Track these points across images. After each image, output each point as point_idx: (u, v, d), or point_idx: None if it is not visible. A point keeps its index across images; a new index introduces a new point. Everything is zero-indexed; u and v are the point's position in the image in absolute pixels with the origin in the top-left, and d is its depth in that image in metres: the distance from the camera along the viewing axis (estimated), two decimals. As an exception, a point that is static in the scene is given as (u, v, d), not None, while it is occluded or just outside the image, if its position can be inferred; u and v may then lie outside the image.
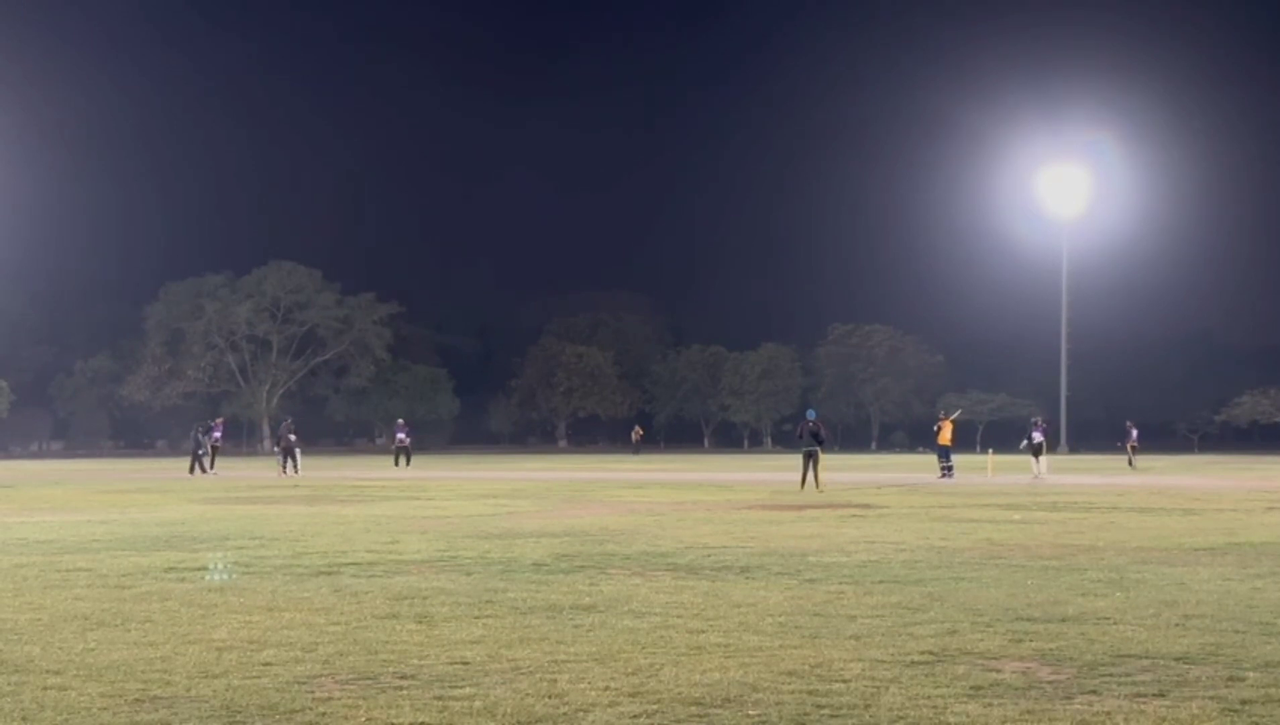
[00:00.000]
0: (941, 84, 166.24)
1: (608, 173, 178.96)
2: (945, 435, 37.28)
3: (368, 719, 6.57)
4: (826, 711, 6.68)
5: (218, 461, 45.50)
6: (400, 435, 51.74)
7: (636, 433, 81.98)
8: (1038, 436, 39.09)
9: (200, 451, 43.93)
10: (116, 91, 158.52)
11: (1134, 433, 52.03)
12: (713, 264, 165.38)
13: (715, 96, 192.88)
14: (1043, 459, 38.65)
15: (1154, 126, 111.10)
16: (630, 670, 7.71)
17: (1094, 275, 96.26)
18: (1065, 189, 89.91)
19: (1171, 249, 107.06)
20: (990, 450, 58.65)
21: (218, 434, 46.61)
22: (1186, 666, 7.82)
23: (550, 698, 6.99)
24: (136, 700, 6.97)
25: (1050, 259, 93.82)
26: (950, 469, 36.90)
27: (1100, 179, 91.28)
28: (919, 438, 40.02)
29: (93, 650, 8.38)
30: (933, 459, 39.40)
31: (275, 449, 49.77)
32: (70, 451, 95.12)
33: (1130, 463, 50.36)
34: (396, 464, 49.66)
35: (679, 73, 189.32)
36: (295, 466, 42.94)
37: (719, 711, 6.70)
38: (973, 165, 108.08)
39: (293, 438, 44.49)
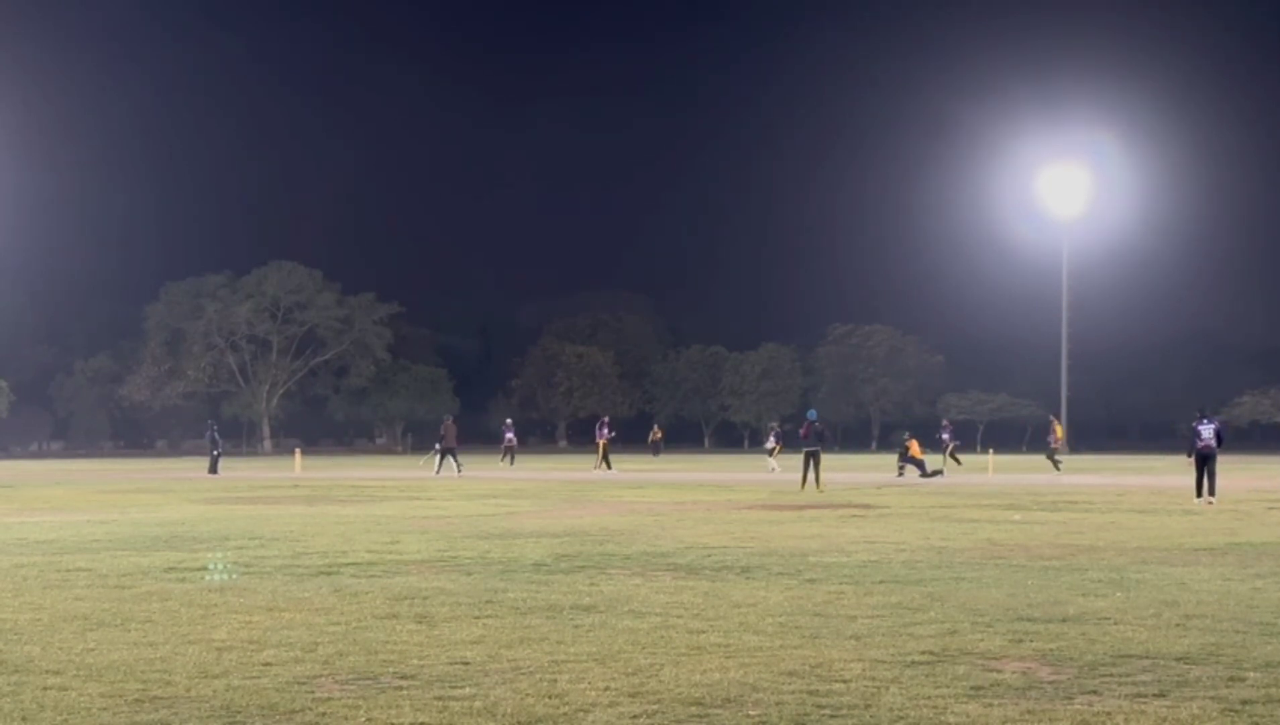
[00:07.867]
0: (941, 84, 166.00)
1: (607, 173, 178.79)
2: (915, 450, 39.23)
3: (368, 719, 6.56)
4: (826, 711, 6.68)
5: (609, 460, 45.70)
6: (509, 435, 52.86)
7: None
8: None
9: (215, 451, 43.92)
10: (116, 91, 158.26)
11: (1055, 430, 45.38)
12: (713, 264, 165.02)
13: (714, 97, 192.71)
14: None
15: (1154, 126, 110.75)
16: (630, 670, 7.71)
17: (1094, 275, 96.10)
18: (1065, 189, 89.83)
19: (1171, 249, 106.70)
20: (991, 450, 58.67)
21: (611, 432, 47.24)
22: (1187, 667, 7.82)
23: (550, 698, 6.98)
24: (136, 700, 6.97)
25: (1050, 259, 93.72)
26: (924, 468, 38.37)
27: (1100, 179, 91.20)
28: (919, 438, 40.25)
29: (93, 650, 8.38)
30: (931, 460, 40.18)
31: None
32: (70, 451, 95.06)
33: (1052, 458, 44.40)
34: (503, 461, 51.29)
35: (678, 73, 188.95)
36: (466, 463, 45.22)
37: (719, 711, 6.70)
38: (973, 165, 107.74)
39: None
